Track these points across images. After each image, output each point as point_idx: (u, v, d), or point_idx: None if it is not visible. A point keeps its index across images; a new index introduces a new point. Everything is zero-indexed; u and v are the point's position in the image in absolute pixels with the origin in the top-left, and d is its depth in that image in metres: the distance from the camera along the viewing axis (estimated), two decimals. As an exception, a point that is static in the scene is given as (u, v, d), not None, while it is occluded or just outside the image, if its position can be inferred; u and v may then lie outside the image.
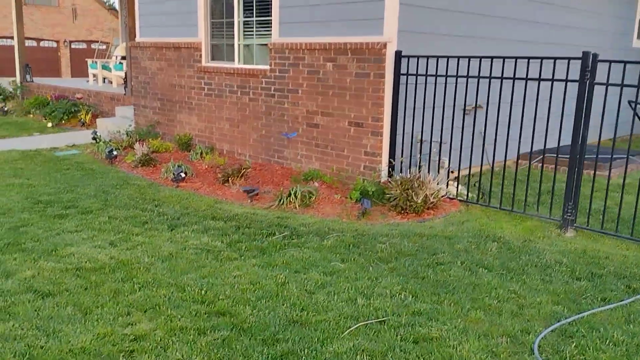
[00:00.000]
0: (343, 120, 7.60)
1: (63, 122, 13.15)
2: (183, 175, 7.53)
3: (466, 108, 8.40)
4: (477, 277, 4.65)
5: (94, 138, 10.59)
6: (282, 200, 6.62)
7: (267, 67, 8.51)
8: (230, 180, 7.44)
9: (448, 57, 6.70)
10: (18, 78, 17.22)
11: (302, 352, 3.45)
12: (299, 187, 6.67)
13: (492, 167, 6.93)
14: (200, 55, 9.64)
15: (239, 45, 9.09)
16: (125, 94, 13.28)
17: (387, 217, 6.30)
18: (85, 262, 4.80)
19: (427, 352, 3.48)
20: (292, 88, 8.19)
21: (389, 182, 6.83)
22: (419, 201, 6.25)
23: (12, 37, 18.07)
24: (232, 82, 9.13)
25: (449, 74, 6.69)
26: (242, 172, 7.49)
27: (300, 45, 7.88)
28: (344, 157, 7.70)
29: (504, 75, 6.26)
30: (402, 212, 6.33)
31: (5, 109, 14.72)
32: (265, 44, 8.53)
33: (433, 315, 3.97)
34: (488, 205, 6.63)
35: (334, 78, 7.61)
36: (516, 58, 6.12)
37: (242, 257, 5.00)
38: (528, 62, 6.05)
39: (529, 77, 6.08)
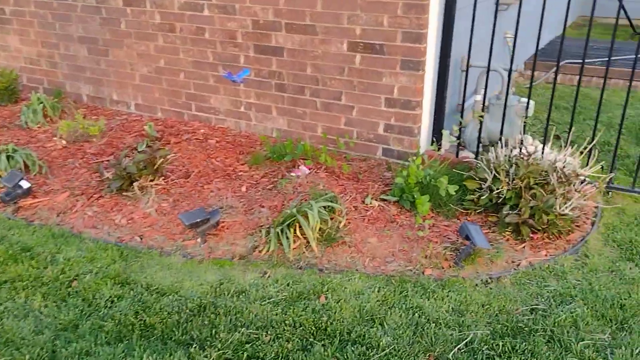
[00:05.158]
0: (337, 40, 3.99)
1: None
2: (27, 185, 3.50)
3: None
4: None
5: None
6: (277, 236, 3.07)
7: None
8: (135, 185, 3.59)
9: None
10: None
11: None
12: (314, 203, 3.12)
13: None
14: None
15: None
16: None
17: (504, 249, 3.10)
18: None
19: None
20: (219, -22, 4.25)
21: (470, 162, 3.58)
22: (567, 211, 3.12)
23: None
24: (83, -31, 4.81)
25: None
26: (158, 165, 3.65)
27: None
28: (341, 109, 4.18)
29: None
30: (529, 233, 3.17)
31: None
32: None
33: None
34: (633, 189, 3.71)
35: (315, -45, 3.85)
36: None
37: None
38: None
39: None
